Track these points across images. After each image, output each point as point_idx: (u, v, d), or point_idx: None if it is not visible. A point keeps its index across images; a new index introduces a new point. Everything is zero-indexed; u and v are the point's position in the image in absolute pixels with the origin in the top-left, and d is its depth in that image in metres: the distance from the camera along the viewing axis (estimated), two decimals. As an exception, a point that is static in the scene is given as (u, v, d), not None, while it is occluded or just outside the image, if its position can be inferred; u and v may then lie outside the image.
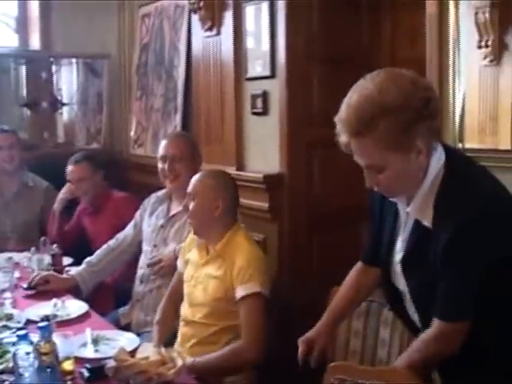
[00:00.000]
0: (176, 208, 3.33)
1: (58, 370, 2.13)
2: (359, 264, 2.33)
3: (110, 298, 3.71)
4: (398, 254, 2.01)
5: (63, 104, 5.27)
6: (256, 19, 3.49)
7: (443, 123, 2.66)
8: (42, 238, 3.74)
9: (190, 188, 2.87)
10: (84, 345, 2.57)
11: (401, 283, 2.03)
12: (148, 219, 3.47)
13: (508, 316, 1.85)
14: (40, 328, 2.10)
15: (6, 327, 2.70)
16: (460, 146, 2.70)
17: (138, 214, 3.57)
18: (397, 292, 2.07)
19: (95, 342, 2.61)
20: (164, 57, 4.73)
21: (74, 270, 3.53)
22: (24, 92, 5.23)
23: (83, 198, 4.15)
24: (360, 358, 2.54)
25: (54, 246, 3.65)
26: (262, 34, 3.42)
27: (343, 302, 2.34)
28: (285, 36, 3.29)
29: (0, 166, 4.43)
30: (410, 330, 2.15)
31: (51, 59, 5.26)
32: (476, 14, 2.60)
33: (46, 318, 2.50)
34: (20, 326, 2.71)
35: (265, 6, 3.38)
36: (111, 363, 2.25)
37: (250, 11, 3.52)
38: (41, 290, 3.28)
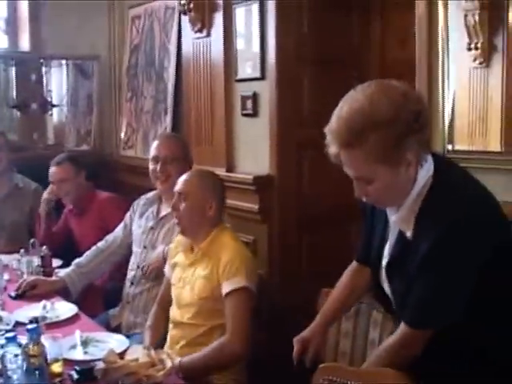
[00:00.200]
0: (166, 210, 3.32)
1: (47, 373, 2.13)
2: (354, 263, 2.34)
3: (98, 300, 3.70)
4: (385, 260, 2.03)
5: (53, 105, 5.25)
6: (246, 20, 3.49)
7: (433, 125, 2.66)
8: (32, 240, 3.73)
9: (179, 188, 2.84)
10: (73, 347, 2.56)
11: (385, 287, 2.06)
12: (138, 220, 3.46)
13: (498, 317, 1.85)
14: (29, 330, 2.09)
15: (-6, 329, 2.69)
16: (449, 147, 2.72)
17: (127, 215, 3.56)
18: (385, 294, 2.09)
19: (84, 343, 2.59)
20: (154, 58, 4.73)
21: (62, 272, 3.52)
22: (14, 93, 5.20)
23: (65, 199, 4.13)
24: (350, 358, 2.54)
25: (44, 247, 3.63)
26: (252, 35, 3.42)
27: (336, 303, 2.35)
28: (275, 37, 3.30)
29: (-12, 168, 4.42)
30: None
31: (41, 60, 5.23)
32: (465, 16, 2.61)
33: (35, 320, 2.48)
34: (9, 328, 2.69)
35: (255, 8, 3.38)
36: (100, 365, 2.25)
37: (240, 12, 3.52)
38: (29, 296, 3.26)
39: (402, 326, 1.90)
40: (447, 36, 2.69)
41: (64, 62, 5.36)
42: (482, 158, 2.58)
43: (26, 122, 5.25)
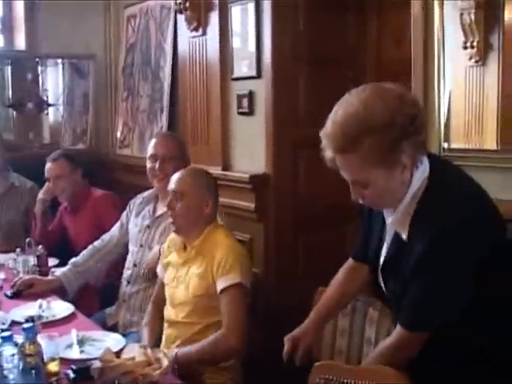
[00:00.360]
0: (162, 208, 3.32)
1: (43, 372, 2.13)
2: (350, 260, 2.34)
3: (95, 299, 3.70)
4: (381, 259, 2.03)
5: (49, 105, 5.25)
6: (242, 19, 3.49)
7: (429, 123, 2.67)
8: (28, 239, 3.73)
9: (174, 187, 2.83)
10: (70, 346, 2.56)
11: (383, 287, 2.07)
12: (134, 219, 3.46)
13: (494, 315, 1.85)
14: (25, 329, 2.09)
15: (-10, 329, 2.69)
16: (446, 146, 2.72)
17: (124, 214, 3.56)
18: (383, 293, 2.09)
19: (81, 342, 2.59)
20: (150, 57, 4.73)
21: (58, 271, 3.51)
22: (9, 93, 5.19)
23: (61, 197, 4.13)
24: (346, 356, 2.54)
25: (40, 247, 3.63)
26: (248, 34, 3.42)
27: (331, 300, 2.34)
28: (271, 36, 3.29)
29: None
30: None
31: (37, 60, 5.22)
32: (461, 15, 2.61)
33: (31, 319, 2.48)
34: (5, 327, 2.69)
35: (251, 7, 3.38)
36: (97, 364, 2.24)
37: (235, 11, 3.52)
38: (26, 295, 3.25)
39: (398, 329, 1.90)
40: (443, 35, 2.69)
41: (60, 61, 5.36)
42: (478, 156, 2.59)
43: (21, 122, 5.24)
